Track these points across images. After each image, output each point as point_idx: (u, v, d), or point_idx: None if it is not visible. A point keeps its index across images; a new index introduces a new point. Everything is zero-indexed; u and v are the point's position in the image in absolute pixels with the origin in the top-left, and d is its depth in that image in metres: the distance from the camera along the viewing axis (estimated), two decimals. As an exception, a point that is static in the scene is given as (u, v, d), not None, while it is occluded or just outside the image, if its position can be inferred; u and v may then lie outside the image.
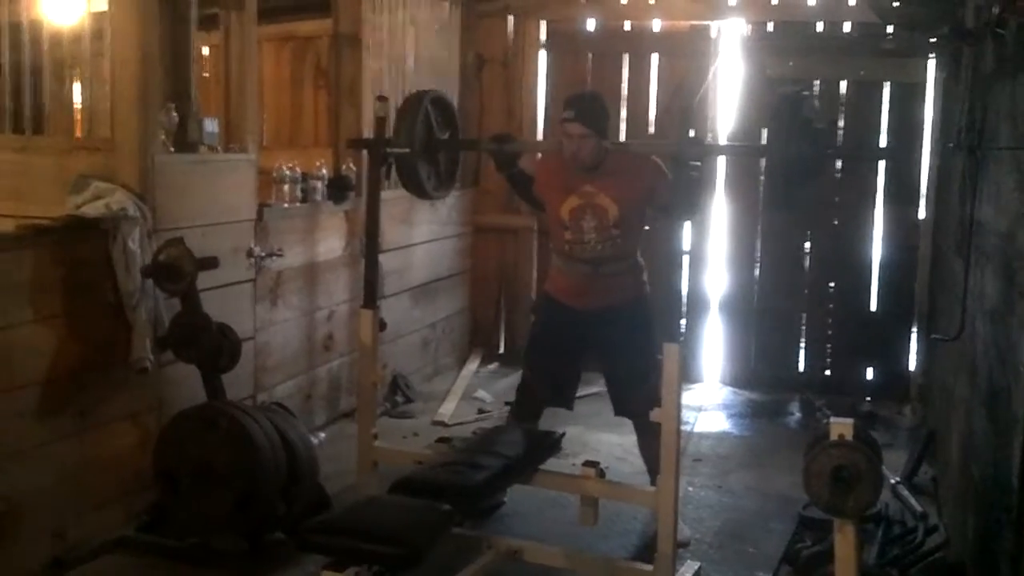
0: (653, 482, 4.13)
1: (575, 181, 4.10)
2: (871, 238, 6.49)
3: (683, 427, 3.90)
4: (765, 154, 3.62)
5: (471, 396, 6.22)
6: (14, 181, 4.24)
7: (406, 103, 4.17)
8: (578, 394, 5.72)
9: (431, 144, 4.14)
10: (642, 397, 4.09)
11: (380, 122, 4.13)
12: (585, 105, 4.04)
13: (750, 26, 6.55)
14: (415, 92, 4.34)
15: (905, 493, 4.56)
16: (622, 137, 6.75)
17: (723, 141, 6.54)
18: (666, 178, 4.07)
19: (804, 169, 3.48)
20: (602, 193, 4.07)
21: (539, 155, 4.77)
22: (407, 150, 4.01)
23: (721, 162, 6.65)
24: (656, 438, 3.98)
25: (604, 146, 4.03)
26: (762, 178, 6.28)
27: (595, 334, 4.23)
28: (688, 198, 3.72)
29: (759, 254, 6.69)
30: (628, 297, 4.22)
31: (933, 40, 5.13)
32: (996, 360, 3.25)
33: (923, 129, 6.26)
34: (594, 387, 6.12)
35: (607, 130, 4.06)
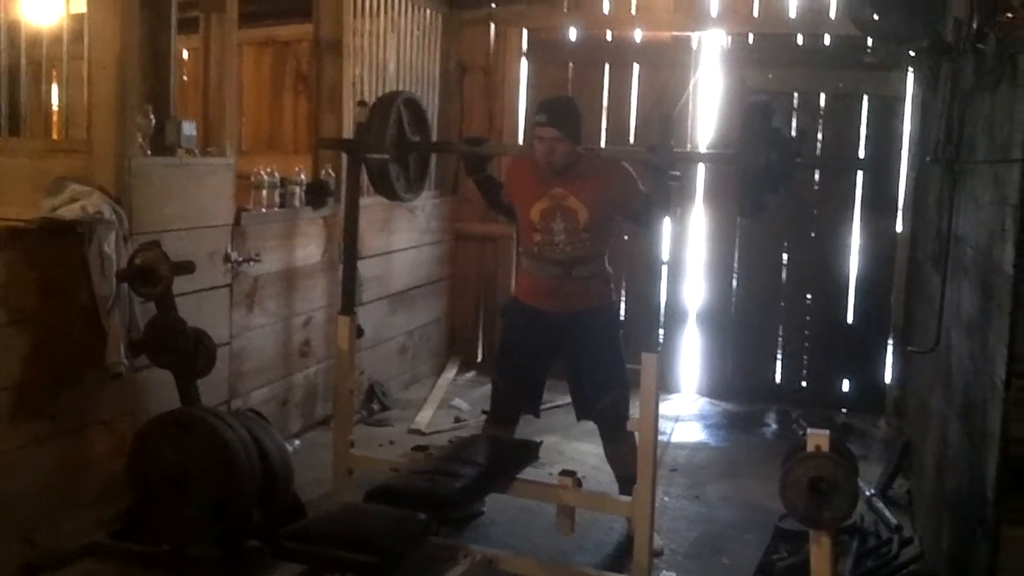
0: (622, 490, 4.14)
1: (545, 184, 4.11)
2: (848, 250, 6.52)
3: (660, 437, 3.90)
4: (734, 162, 3.64)
5: (448, 404, 6.20)
6: (-11, 183, 4.20)
7: (378, 104, 4.16)
8: (555, 403, 5.80)
9: (403, 145, 4.14)
10: (606, 402, 4.10)
11: (360, 127, 4.12)
12: (558, 109, 4.07)
13: (731, 37, 6.59)
14: (388, 93, 4.33)
15: (880, 505, 4.57)
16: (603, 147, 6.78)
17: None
18: (636, 184, 4.09)
19: (771, 177, 3.51)
20: (572, 196, 4.08)
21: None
22: (384, 155, 4.01)
23: (700, 172, 6.67)
24: (623, 445, 3.98)
25: (576, 150, 4.04)
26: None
27: (561, 338, 4.22)
28: (664, 207, 3.73)
29: (737, 265, 6.72)
30: (595, 302, 4.22)
31: (912, 53, 5.15)
32: (972, 373, 3.27)
33: (901, 142, 6.31)
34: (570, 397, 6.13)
35: (580, 134, 4.07)
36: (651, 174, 3.75)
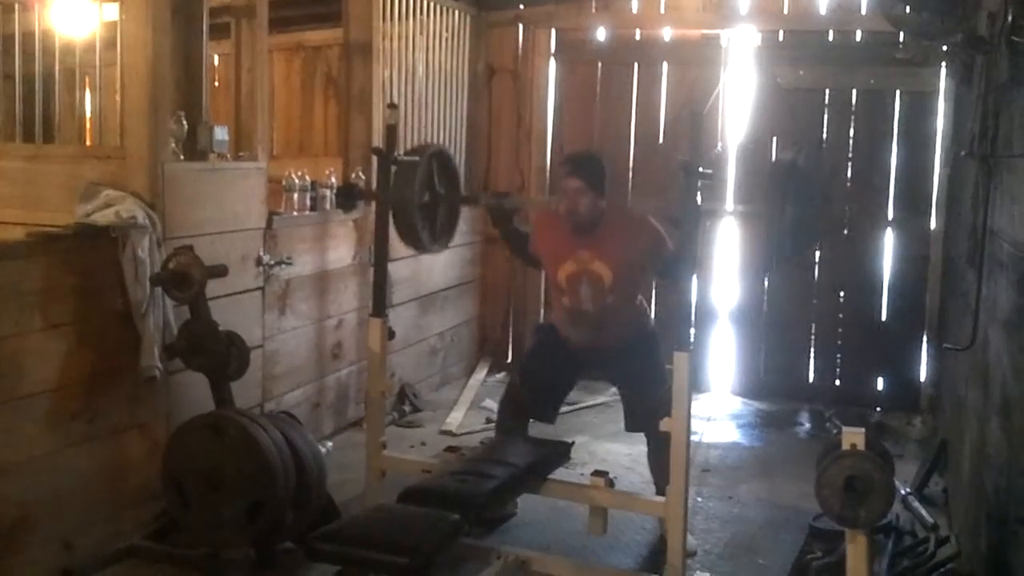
0: (659, 494, 4.12)
1: (571, 245, 4.13)
2: (881, 247, 6.47)
3: (692, 437, 3.88)
4: (765, 217, 3.64)
5: (479, 405, 6.21)
6: (25, 189, 4.25)
7: (408, 157, 4.17)
8: (585, 404, 5.81)
9: (432, 198, 4.16)
10: (650, 411, 4.08)
11: (391, 130, 4.14)
12: (583, 161, 4.13)
13: (761, 35, 6.55)
14: (417, 146, 4.35)
15: (916, 504, 4.53)
16: (632, 148, 6.77)
17: (733, 152, 6.56)
18: (664, 242, 4.09)
19: (802, 233, 3.50)
20: (597, 260, 4.09)
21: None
22: (406, 204, 4.04)
23: (731, 169, 6.63)
24: (665, 450, 3.98)
25: (601, 204, 4.06)
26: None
27: (597, 363, 4.35)
28: (691, 263, 3.70)
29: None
30: (631, 335, 4.25)
31: (945, 48, 5.10)
32: (1010, 370, 3.23)
33: (934, 138, 6.25)
34: (600, 397, 6.13)
35: (604, 187, 4.08)
36: (676, 230, 3.76)
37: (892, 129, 6.38)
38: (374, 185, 4.81)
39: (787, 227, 3.48)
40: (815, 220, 3.58)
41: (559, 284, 4.21)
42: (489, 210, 4.38)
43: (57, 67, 4.44)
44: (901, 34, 5.79)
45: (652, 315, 4.58)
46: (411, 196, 4.04)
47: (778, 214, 3.50)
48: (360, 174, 5.49)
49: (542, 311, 6.90)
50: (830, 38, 6.46)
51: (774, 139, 6.50)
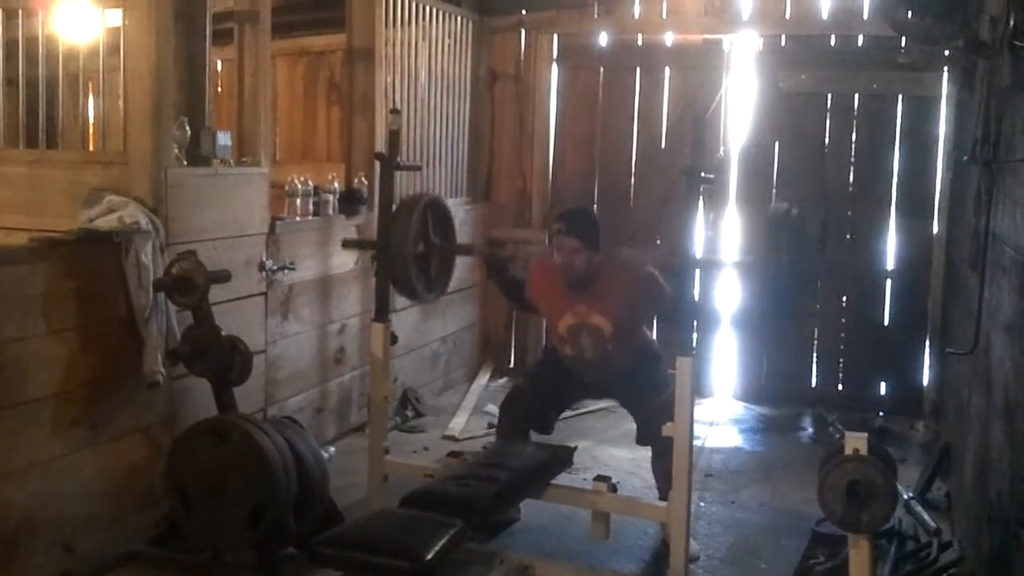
0: (661, 498, 4.12)
1: (569, 298, 4.13)
2: (884, 252, 6.46)
3: (695, 442, 3.88)
4: (758, 268, 3.63)
5: (481, 410, 6.21)
6: (28, 194, 4.26)
7: (401, 208, 4.16)
8: (587, 409, 5.80)
9: (426, 248, 4.18)
10: (653, 416, 4.10)
11: (393, 135, 4.15)
12: (576, 219, 4.10)
13: (763, 40, 6.55)
14: (410, 196, 4.35)
15: (918, 509, 4.53)
16: (634, 153, 6.77)
17: (735, 157, 6.57)
18: (661, 290, 4.08)
19: (796, 283, 3.50)
20: (596, 312, 4.09)
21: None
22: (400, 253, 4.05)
23: (733, 171, 6.63)
24: (667, 455, 3.99)
25: (595, 259, 4.05)
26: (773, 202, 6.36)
27: (603, 386, 4.39)
28: (689, 306, 3.72)
29: (771, 268, 6.66)
30: (634, 361, 4.26)
31: (947, 53, 5.11)
32: (1012, 374, 3.22)
33: (937, 142, 6.25)
34: (603, 402, 6.12)
35: (598, 243, 4.07)
36: (671, 278, 3.78)
37: (894, 133, 6.38)
38: (376, 187, 4.83)
39: (780, 292, 3.48)
40: (812, 276, 3.58)
41: (560, 334, 4.22)
42: (484, 260, 4.40)
43: (60, 72, 4.45)
44: (903, 39, 5.79)
45: (655, 333, 4.61)
46: (405, 246, 4.05)
47: (773, 266, 3.49)
48: (363, 179, 5.50)
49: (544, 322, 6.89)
50: (832, 43, 6.47)
51: (776, 144, 6.52)
